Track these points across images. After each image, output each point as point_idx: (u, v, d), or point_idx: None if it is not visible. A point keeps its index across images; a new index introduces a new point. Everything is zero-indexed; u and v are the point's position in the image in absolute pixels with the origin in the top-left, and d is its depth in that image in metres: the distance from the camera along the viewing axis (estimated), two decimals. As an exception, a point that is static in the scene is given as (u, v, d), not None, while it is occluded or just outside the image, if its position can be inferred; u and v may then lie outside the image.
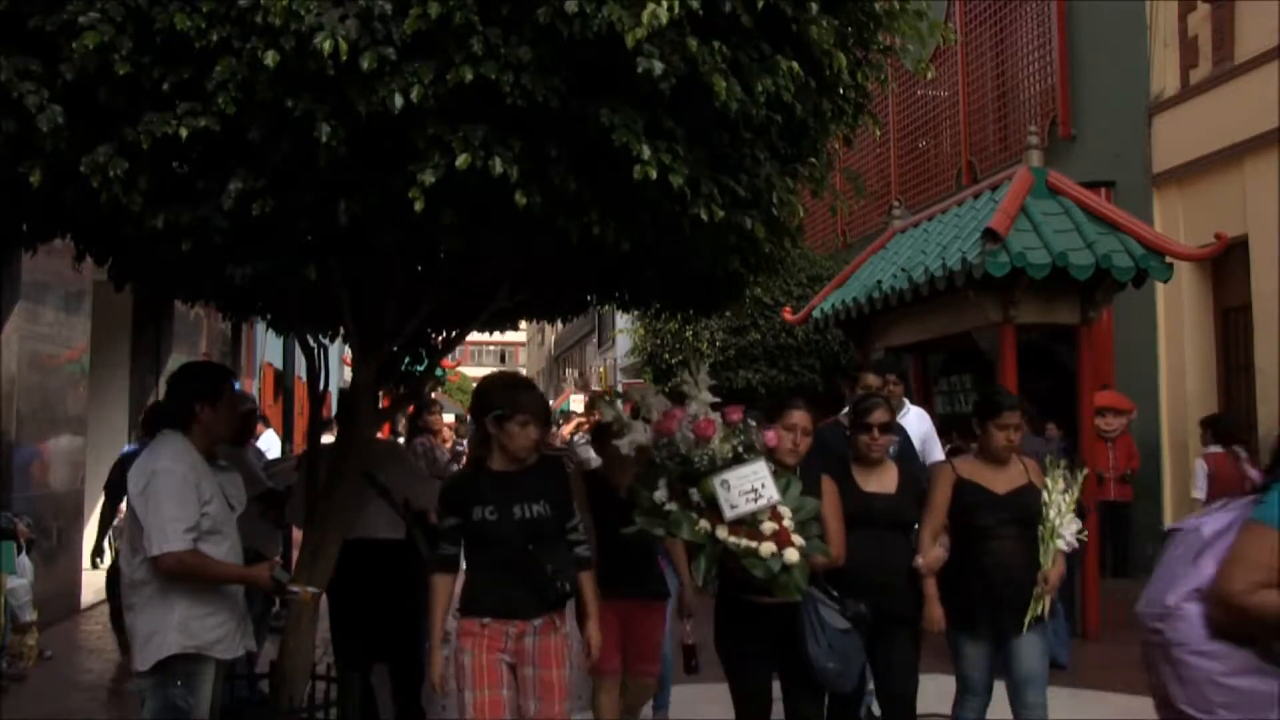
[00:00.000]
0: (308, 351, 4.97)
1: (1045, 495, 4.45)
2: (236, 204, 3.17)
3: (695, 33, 3.02)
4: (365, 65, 2.89)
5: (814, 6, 3.31)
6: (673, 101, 3.11)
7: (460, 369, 40.50)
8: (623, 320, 21.69)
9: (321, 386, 4.94)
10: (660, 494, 3.80)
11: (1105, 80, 11.77)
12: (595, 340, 35.60)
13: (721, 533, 3.69)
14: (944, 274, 8.04)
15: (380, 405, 5.12)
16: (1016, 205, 7.86)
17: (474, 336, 5.59)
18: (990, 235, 7.54)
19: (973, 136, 14.26)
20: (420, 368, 5.38)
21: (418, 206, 3.04)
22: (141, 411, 10.94)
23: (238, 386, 5.11)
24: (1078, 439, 8.37)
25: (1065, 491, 4.48)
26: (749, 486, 3.70)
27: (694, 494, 3.74)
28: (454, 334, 5.17)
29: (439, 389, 15.64)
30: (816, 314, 10.92)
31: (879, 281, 9.46)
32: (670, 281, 4.70)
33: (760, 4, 3.13)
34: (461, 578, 3.95)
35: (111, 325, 10.28)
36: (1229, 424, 8.62)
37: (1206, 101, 10.22)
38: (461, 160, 3.00)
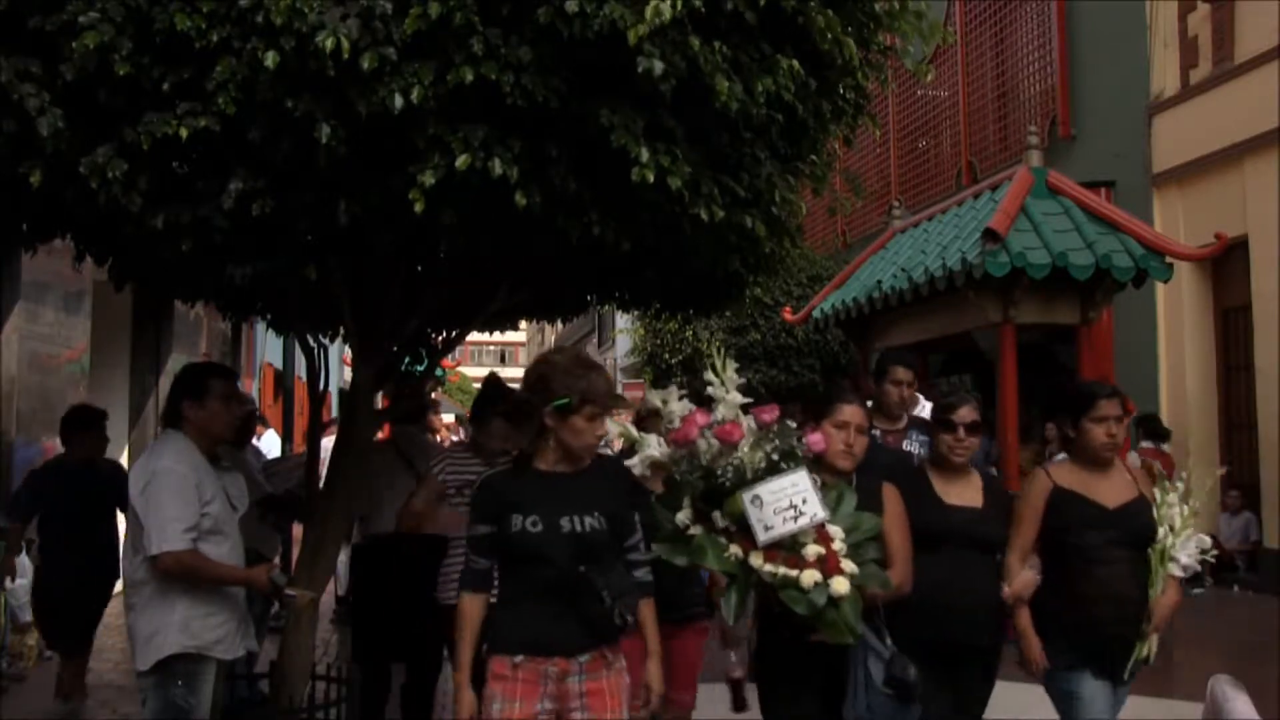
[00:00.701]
0: (308, 351, 4.97)
1: (1155, 510, 3.73)
2: (236, 204, 3.17)
3: (697, 31, 3.02)
4: (366, 65, 2.89)
5: (814, 3, 3.31)
6: (673, 101, 3.11)
7: (460, 369, 40.52)
8: (623, 320, 21.69)
9: (321, 386, 4.94)
10: (684, 515, 3.15)
11: (1105, 80, 11.77)
12: (595, 340, 35.59)
13: (755, 560, 3.03)
14: (944, 274, 8.04)
15: (380, 405, 5.13)
16: (1016, 205, 7.87)
17: (474, 336, 5.59)
18: (990, 235, 7.55)
19: (973, 136, 14.26)
20: (420, 368, 5.38)
21: (418, 207, 3.04)
22: (141, 411, 10.97)
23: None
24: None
25: (1176, 505, 3.73)
26: (786, 502, 3.04)
27: (717, 517, 3.11)
28: (454, 334, 5.17)
29: (439, 389, 15.66)
30: (816, 314, 10.93)
31: (879, 281, 9.46)
32: (670, 281, 4.69)
33: (763, 1, 3.13)
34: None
35: (111, 325, 10.26)
36: (1157, 424, 9.59)
37: (1206, 101, 10.22)
38: (461, 161, 3.00)
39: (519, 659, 3.06)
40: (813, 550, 3.06)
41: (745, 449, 3.11)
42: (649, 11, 2.82)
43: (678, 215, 3.38)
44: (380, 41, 2.93)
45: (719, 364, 3.30)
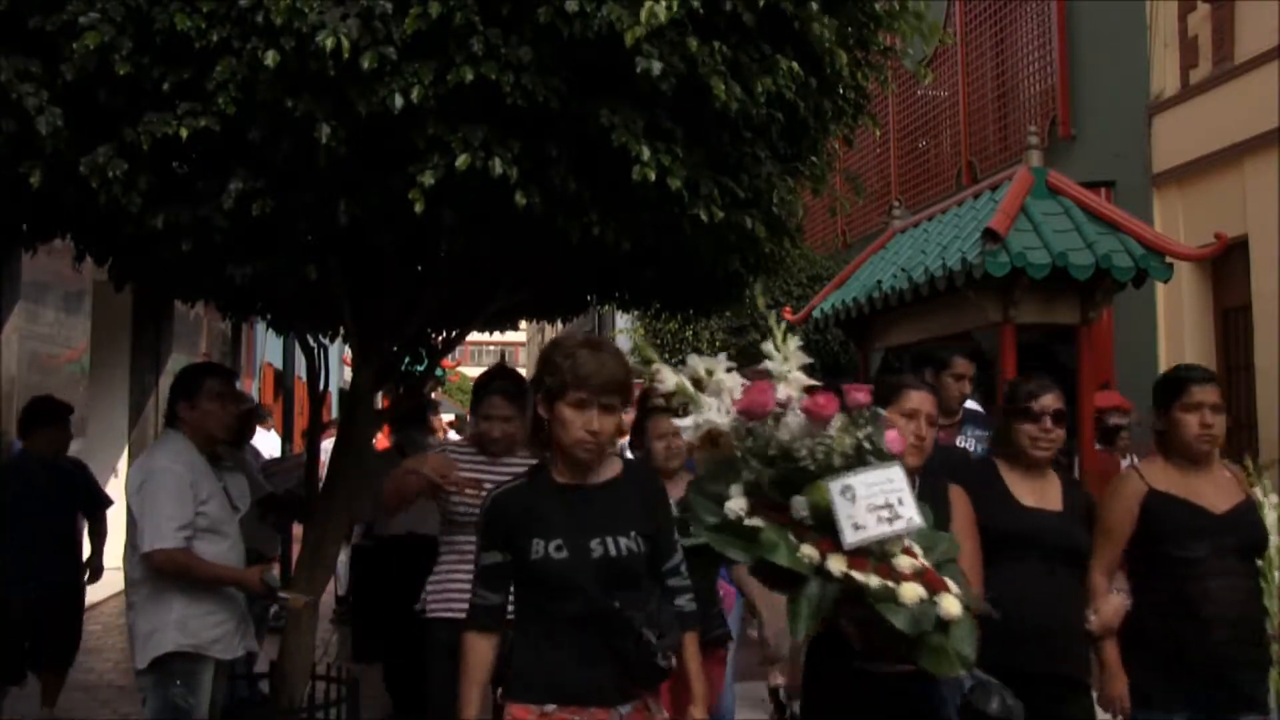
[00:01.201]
0: (308, 351, 4.97)
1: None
2: (236, 204, 3.17)
3: (696, 32, 3.02)
4: (366, 65, 2.90)
5: (814, 5, 3.31)
6: (672, 101, 3.11)
7: (460, 369, 40.50)
8: (623, 320, 21.68)
9: (321, 386, 4.94)
10: (737, 503, 2.56)
11: (1105, 80, 11.77)
12: (595, 340, 35.54)
13: (834, 564, 2.45)
14: (944, 274, 8.04)
15: (380, 405, 5.13)
16: (1016, 205, 7.86)
17: (474, 336, 5.59)
18: (990, 235, 7.54)
19: (973, 136, 14.26)
20: (420, 368, 5.38)
21: (418, 207, 3.04)
22: (141, 411, 10.97)
23: (237, 386, 5.11)
24: (1078, 439, 8.37)
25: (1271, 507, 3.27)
26: (882, 499, 2.46)
27: (799, 505, 2.50)
28: (454, 334, 5.17)
29: (439, 389, 15.65)
30: (816, 314, 10.93)
31: (879, 281, 9.46)
32: (670, 281, 4.69)
33: (761, 2, 3.13)
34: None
35: (111, 325, 10.26)
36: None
37: (1206, 101, 10.22)
38: (461, 161, 3.00)
39: (549, 708, 2.58)
40: (907, 562, 2.48)
41: (835, 430, 2.52)
42: (644, 13, 2.82)
43: (678, 215, 3.38)
44: (380, 41, 2.93)
45: (778, 335, 2.72)
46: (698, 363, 2.76)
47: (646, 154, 3.05)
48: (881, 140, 15.93)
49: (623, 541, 2.60)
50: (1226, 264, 10.03)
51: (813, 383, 2.67)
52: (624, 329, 19.57)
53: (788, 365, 2.69)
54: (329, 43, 2.85)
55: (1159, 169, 10.87)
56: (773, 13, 3.22)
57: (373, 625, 5.38)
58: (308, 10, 2.88)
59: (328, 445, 5.20)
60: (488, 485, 3.52)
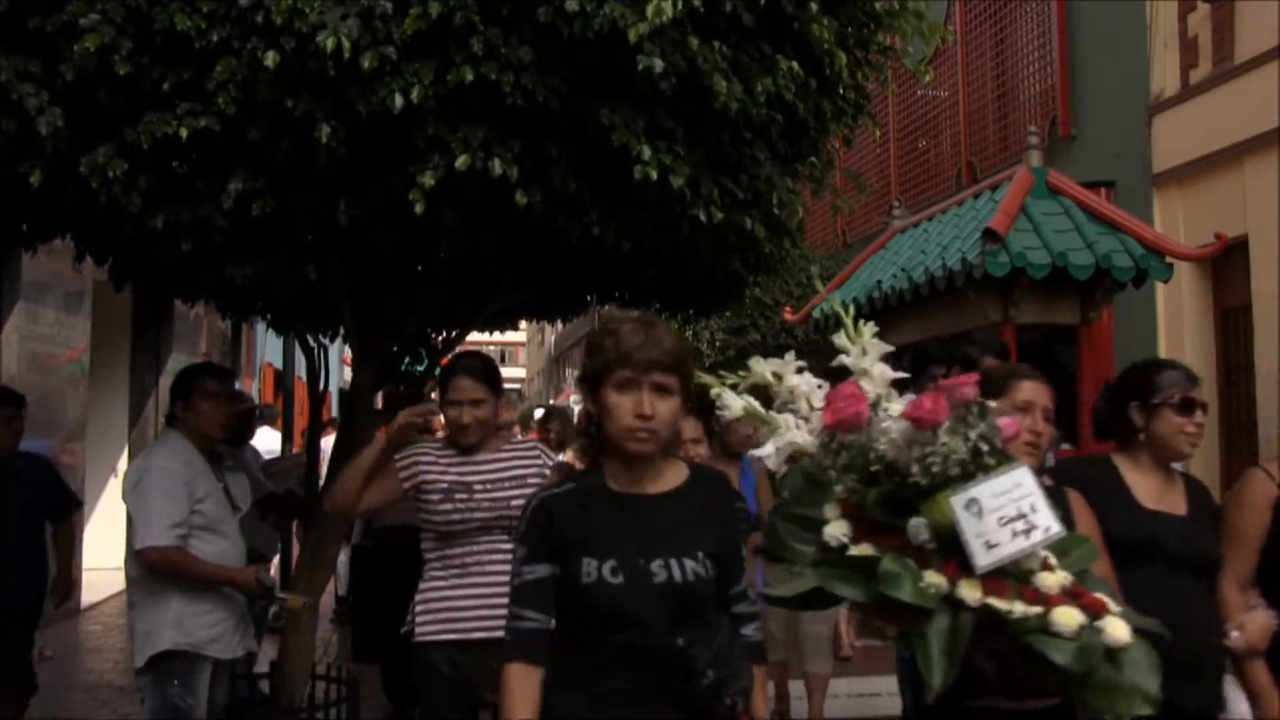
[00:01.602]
0: (308, 351, 4.97)
1: None
2: (236, 204, 3.18)
3: (696, 32, 3.02)
4: (366, 65, 2.90)
5: (814, 6, 3.31)
6: (673, 101, 3.11)
7: (460, 369, 40.48)
8: (623, 320, 21.66)
9: (321, 386, 4.94)
10: (837, 528, 2.12)
11: (1105, 80, 11.77)
12: (595, 340, 35.57)
13: (968, 591, 2.01)
14: (944, 274, 8.04)
15: (380, 405, 5.13)
16: (1016, 205, 7.87)
17: (474, 336, 5.59)
18: (990, 235, 7.55)
19: (973, 136, 14.26)
20: (420, 368, 5.38)
21: (418, 208, 3.04)
22: (141, 411, 10.97)
23: (237, 386, 5.11)
24: (1077, 440, 8.37)
25: None
26: (1014, 510, 2.07)
27: (917, 528, 2.07)
28: (454, 334, 5.17)
29: (439, 389, 15.61)
30: (816, 314, 10.92)
31: (879, 281, 9.46)
32: (670, 281, 4.69)
33: (761, 2, 3.13)
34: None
35: (111, 325, 10.27)
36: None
37: (1206, 101, 10.22)
38: (461, 161, 3.00)
39: None
40: (1054, 580, 2.05)
41: (944, 434, 2.10)
42: (650, 10, 2.82)
43: (678, 215, 3.38)
44: (380, 41, 2.93)
45: (849, 324, 2.30)
46: (762, 366, 2.34)
47: (647, 153, 3.05)
48: (881, 140, 15.92)
49: (689, 564, 2.18)
50: (1226, 264, 10.03)
51: (899, 375, 2.28)
52: (624, 329, 19.63)
53: (867, 359, 2.24)
54: (329, 43, 2.85)
55: (1159, 169, 10.87)
56: (773, 13, 3.22)
57: (373, 625, 5.38)
58: (308, 10, 2.89)
59: (327, 444, 5.20)
60: (477, 486, 3.36)
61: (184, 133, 2.99)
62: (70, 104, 3.03)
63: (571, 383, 41.86)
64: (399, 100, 2.94)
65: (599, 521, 2.20)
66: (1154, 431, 2.87)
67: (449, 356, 4.75)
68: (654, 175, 3.06)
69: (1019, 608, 1.99)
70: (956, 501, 2.06)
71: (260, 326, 11.70)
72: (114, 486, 7.82)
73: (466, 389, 3.38)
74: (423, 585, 3.44)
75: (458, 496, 3.34)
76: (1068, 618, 1.98)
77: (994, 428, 2.14)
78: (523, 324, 6.99)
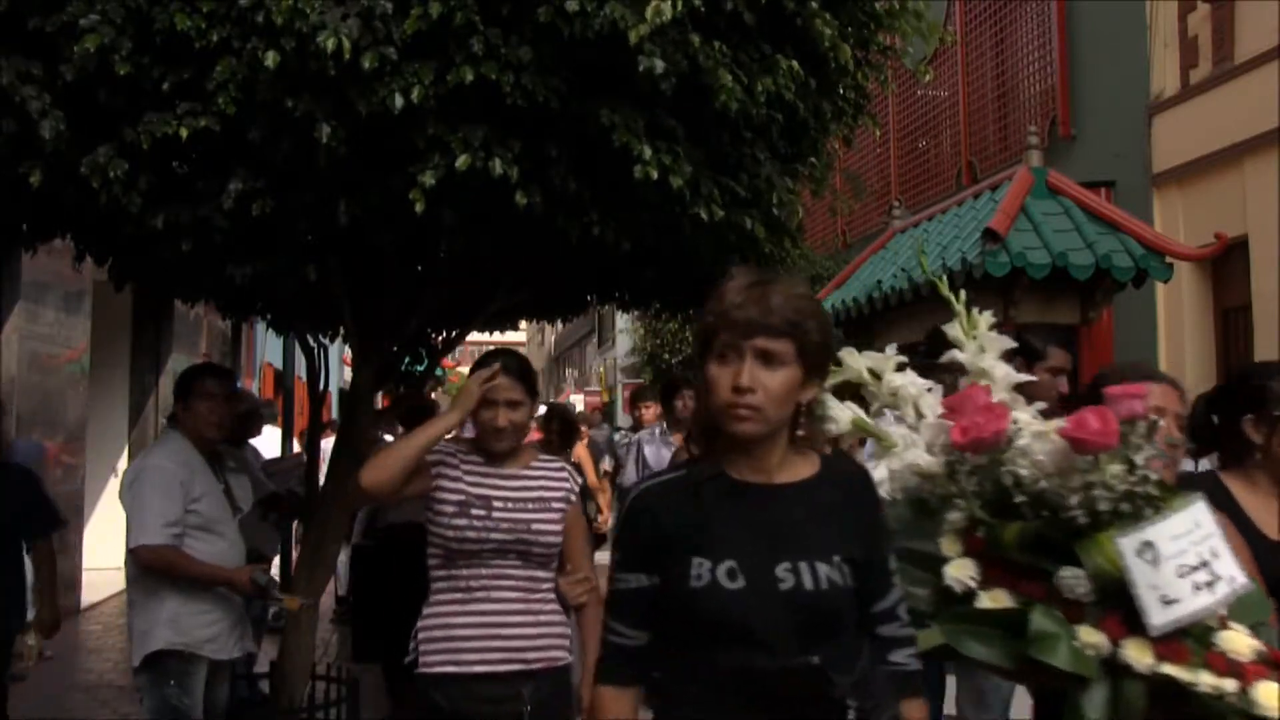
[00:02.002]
0: (308, 351, 4.97)
1: None
2: (236, 204, 3.17)
3: (696, 31, 3.02)
4: (366, 65, 2.89)
5: (814, 3, 3.31)
6: (673, 101, 3.11)
7: (460, 369, 40.52)
8: (623, 320, 21.68)
9: (321, 386, 4.95)
10: (962, 570, 1.75)
11: (1105, 80, 11.78)
12: (595, 340, 35.59)
13: (1138, 654, 1.63)
14: (944, 274, 8.04)
15: (380, 405, 5.13)
16: (1016, 205, 7.87)
17: (474, 336, 5.59)
18: (990, 235, 7.55)
19: (973, 136, 14.26)
20: (420, 368, 5.38)
21: (418, 207, 3.04)
22: (141, 411, 10.98)
23: (239, 386, 5.11)
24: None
25: None
26: (1194, 557, 1.67)
27: (1073, 579, 1.68)
28: (454, 334, 5.17)
29: (439, 389, 15.65)
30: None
31: (879, 281, 9.46)
32: (670, 281, 4.69)
33: (762, 1, 3.13)
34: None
35: (111, 325, 10.27)
36: None
37: (1206, 101, 10.22)
38: (461, 161, 3.00)
39: None
40: (1243, 644, 1.66)
41: (1106, 461, 1.70)
42: (650, 12, 2.82)
43: (678, 215, 3.38)
44: (381, 41, 2.93)
45: (963, 314, 1.88)
46: (856, 360, 1.94)
47: (648, 153, 3.05)
48: (881, 140, 15.93)
49: (822, 569, 1.79)
50: (1226, 264, 10.04)
51: (1025, 378, 1.90)
52: (624, 329, 19.58)
53: (987, 356, 1.84)
54: (329, 43, 2.85)
55: (1159, 169, 10.87)
56: (774, 11, 3.22)
57: (373, 625, 5.38)
58: (308, 10, 2.88)
59: (327, 445, 5.20)
60: (496, 504, 2.98)
61: (184, 133, 2.98)
62: (70, 104, 3.03)
63: (571, 382, 41.89)
64: (399, 100, 2.94)
65: (714, 513, 1.83)
66: (1277, 450, 2.44)
67: (448, 356, 4.74)
68: (654, 175, 3.06)
69: (1206, 679, 1.60)
70: (1126, 545, 1.65)
71: (260, 326, 11.70)
72: (114, 486, 7.82)
73: (504, 388, 3.00)
74: (426, 609, 3.09)
75: (474, 512, 2.97)
76: (1272, 697, 1.56)
77: (1154, 444, 1.73)
78: (523, 324, 6.99)
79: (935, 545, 1.73)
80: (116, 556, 3.96)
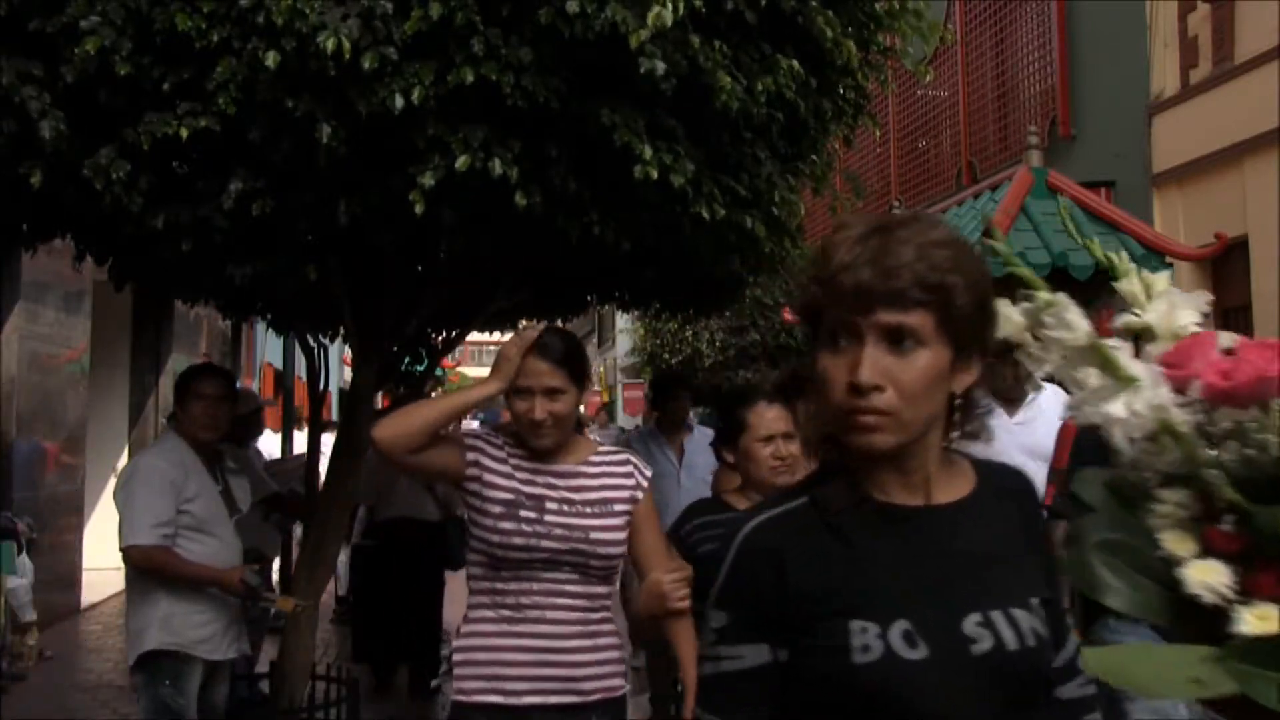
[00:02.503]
0: (308, 351, 4.98)
1: None
2: (236, 204, 3.18)
3: (697, 31, 3.02)
4: (366, 65, 2.90)
5: (815, 3, 3.32)
6: (673, 101, 3.11)
7: (460, 369, 40.50)
8: (623, 320, 21.68)
9: (321, 386, 4.95)
10: (1211, 574, 1.09)
11: (1105, 80, 11.78)
12: (595, 340, 35.61)
13: None
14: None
15: (380, 405, 5.13)
16: (1016, 205, 7.87)
17: (474, 336, 5.60)
18: (990, 235, 7.55)
19: (973, 136, 14.26)
20: (420, 368, 5.38)
21: (418, 208, 3.04)
22: (141, 411, 10.98)
23: (242, 386, 5.12)
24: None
25: None
26: None
27: None
28: (454, 334, 5.18)
29: (439, 389, 15.64)
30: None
31: (879, 281, 9.48)
32: (670, 281, 4.69)
33: (763, 1, 3.13)
34: None
35: (111, 325, 10.27)
36: None
37: (1206, 101, 10.22)
38: (461, 162, 3.00)
39: None
40: None
41: None
42: (650, 17, 2.82)
43: (678, 215, 3.38)
44: (381, 42, 2.93)
45: (1133, 272, 1.34)
46: (1015, 316, 1.38)
47: (648, 153, 3.05)
48: (881, 140, 15.92)
49: (1023, 619, 1.28)
50: (1226, 264, 10.04)
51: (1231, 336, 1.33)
52: (624, 329, 19.60)
53: (1181, 315, 1.29)
54: (330, 43, 2.85)
55: (1159, 169, 10.87)
56: (774, 11, 3.22)
57: (373, 625, 5.38)
58: (308, 11, 2.89)
59: (328, 440, 5.20)
60: (550, 505, 2.53)
61: (184, 133, 2.99)
62: (71, 105, 3.03)
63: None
64: (399, 100, 2.94)
65: (866, 555, 1.28)
66: None
67: (448, 356, 4.74)
68: (654, 174, 3.06)
69: None
70: None
71: (260, 326, 11.69)
72: (113, 487, 7.83)
73: (540, 373, 2.48)
74: (465, 627, 2.62)
75: (524, 514, 2.50)
76: None
77: None
78: (523, 324, 6.99)
79: (1151, 541, 1.18)
80: (116, 556, 3.96)
